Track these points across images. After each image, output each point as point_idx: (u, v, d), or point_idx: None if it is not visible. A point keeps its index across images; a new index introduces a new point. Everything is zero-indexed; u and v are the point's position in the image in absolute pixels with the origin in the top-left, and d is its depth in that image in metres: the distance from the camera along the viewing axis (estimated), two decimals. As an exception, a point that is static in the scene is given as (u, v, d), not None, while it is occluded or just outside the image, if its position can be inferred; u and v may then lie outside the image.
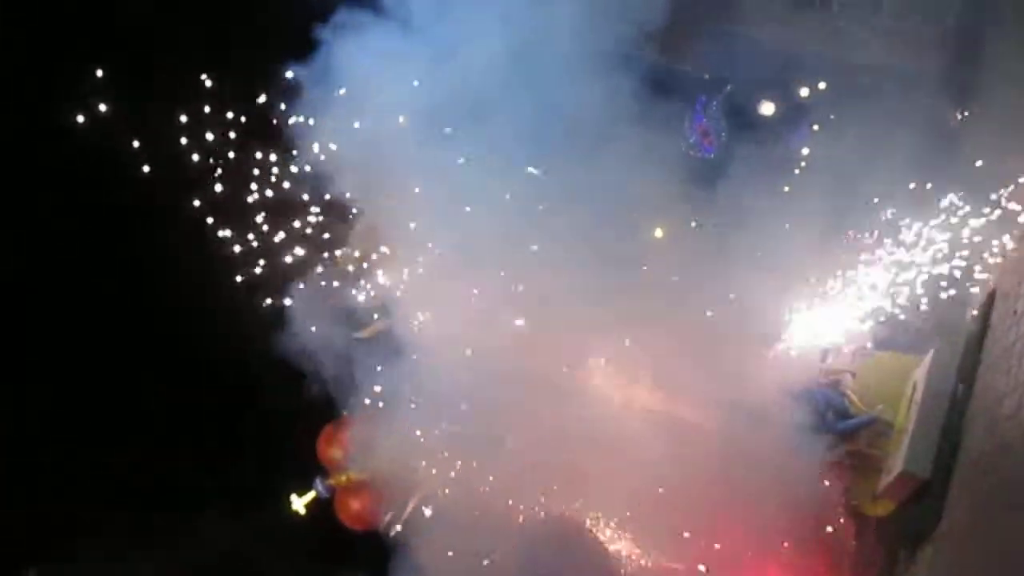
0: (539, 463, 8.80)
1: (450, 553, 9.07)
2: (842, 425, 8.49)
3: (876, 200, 8.80)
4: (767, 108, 11.32)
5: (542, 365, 8.69)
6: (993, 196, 7.70)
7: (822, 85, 10.65)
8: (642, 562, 9.17)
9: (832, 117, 10.20)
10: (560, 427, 8.51)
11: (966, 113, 9.65)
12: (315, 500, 9.87)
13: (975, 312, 7.77)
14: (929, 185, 8.35)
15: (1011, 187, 7.56)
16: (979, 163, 8.17)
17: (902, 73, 10.44)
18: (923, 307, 8.30)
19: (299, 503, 9.86)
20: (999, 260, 7.64)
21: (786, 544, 8.43)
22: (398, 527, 9.59)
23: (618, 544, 9.25)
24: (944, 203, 8.14)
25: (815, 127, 10.42)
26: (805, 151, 10.10)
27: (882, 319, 8.58)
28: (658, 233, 9.79)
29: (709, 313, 8.70)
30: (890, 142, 8.85)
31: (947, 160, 8.68)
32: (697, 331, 8.56)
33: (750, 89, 11.17)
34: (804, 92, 10.74)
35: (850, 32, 11.13)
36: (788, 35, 11.19)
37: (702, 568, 8.69)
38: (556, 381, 8.77)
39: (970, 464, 6.91)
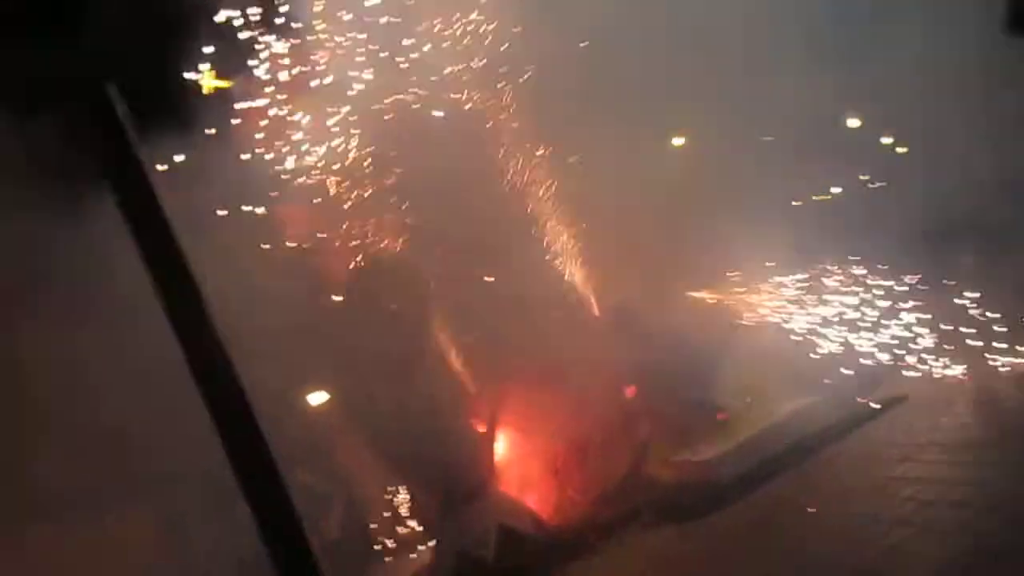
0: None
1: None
2: (696, 392, 8.45)
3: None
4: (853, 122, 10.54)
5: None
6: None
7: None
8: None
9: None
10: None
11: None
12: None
13: (877, 401, 7.78)
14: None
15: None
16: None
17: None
18: (844, 365, 8.20)
19: None
20: (935, 367, 7.62)
21: (566, 449, 8.49)
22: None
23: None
24: (934, 301, 7.96)
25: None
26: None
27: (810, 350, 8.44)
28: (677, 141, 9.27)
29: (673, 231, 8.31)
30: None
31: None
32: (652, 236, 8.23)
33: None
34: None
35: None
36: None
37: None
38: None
39: (770, 500, 7.03)
